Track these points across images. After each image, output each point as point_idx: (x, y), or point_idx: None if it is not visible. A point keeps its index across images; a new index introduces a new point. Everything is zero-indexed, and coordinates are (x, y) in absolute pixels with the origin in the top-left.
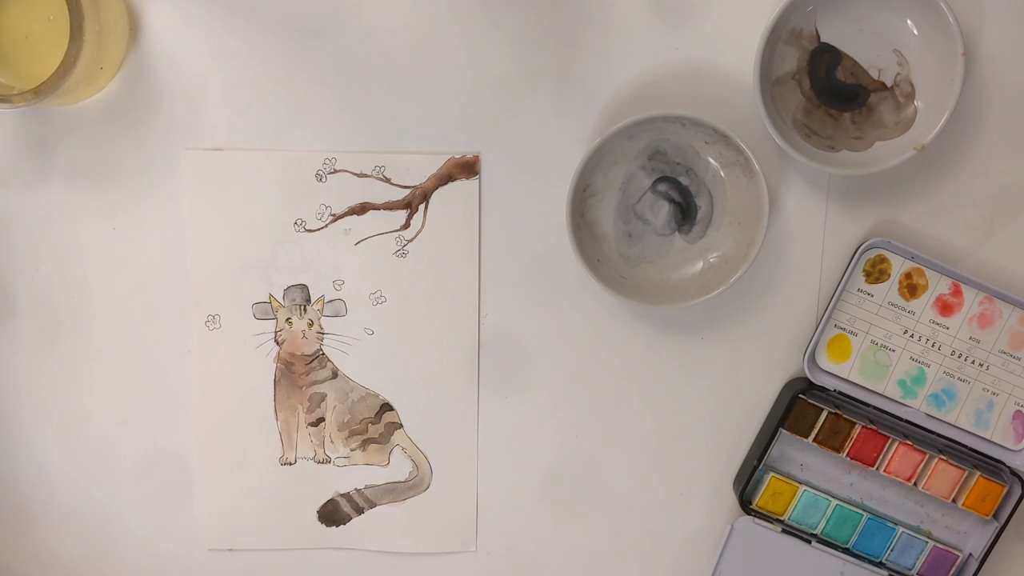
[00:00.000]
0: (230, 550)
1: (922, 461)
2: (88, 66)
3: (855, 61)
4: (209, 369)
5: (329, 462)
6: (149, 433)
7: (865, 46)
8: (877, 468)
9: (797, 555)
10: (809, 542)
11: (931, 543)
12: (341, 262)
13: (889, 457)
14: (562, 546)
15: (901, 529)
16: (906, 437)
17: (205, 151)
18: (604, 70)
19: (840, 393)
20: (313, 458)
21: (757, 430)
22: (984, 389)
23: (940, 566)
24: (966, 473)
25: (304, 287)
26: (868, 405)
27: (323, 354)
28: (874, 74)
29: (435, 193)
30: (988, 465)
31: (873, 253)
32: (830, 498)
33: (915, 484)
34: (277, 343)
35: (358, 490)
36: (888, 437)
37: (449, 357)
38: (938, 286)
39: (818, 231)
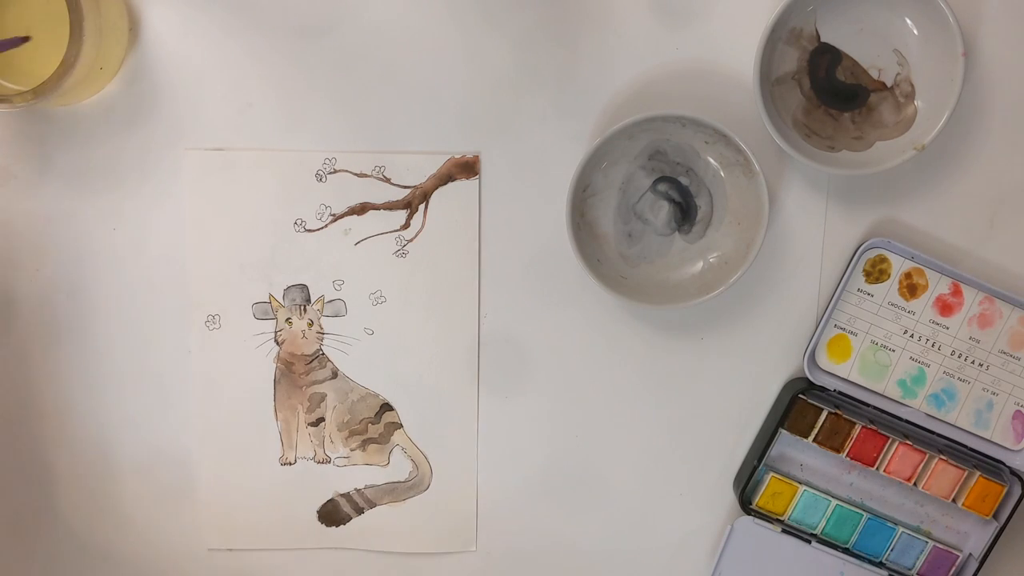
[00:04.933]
0: (230, 550)
1: (922, 461)
2: (88, 66)
3: (855, 61)
4: (209, 369)
5: (329, 462)
6: (149, 433)
7: (865, 46)
8: (877, 468)
9: (797, 555)
10: (809, 542)
11: (931, 543)
12: (341, 262)
13: (889, 457)
14: (562, 546)
15: (901, 529)
16: (906, 437)
17: (205, 151)
18: (604, 70)
19: (840, 393)
20: (313, 458)
21: (757, 430)
22: (984, 389)
23: (940, 566)
24: (966, 473)
25: (304, 287)
26: (868, 405)
27: (323, 354)
28: (874, 74)
29: (435, 193)
30: (988, 465)
31: (873, 253)
32: (830, 498)
33: (915, 484)
34: (277, 343)
35: (358, 490)
36: (888, 437)
37: (449, 357)
38: (938, 286)
39: (818, 231)
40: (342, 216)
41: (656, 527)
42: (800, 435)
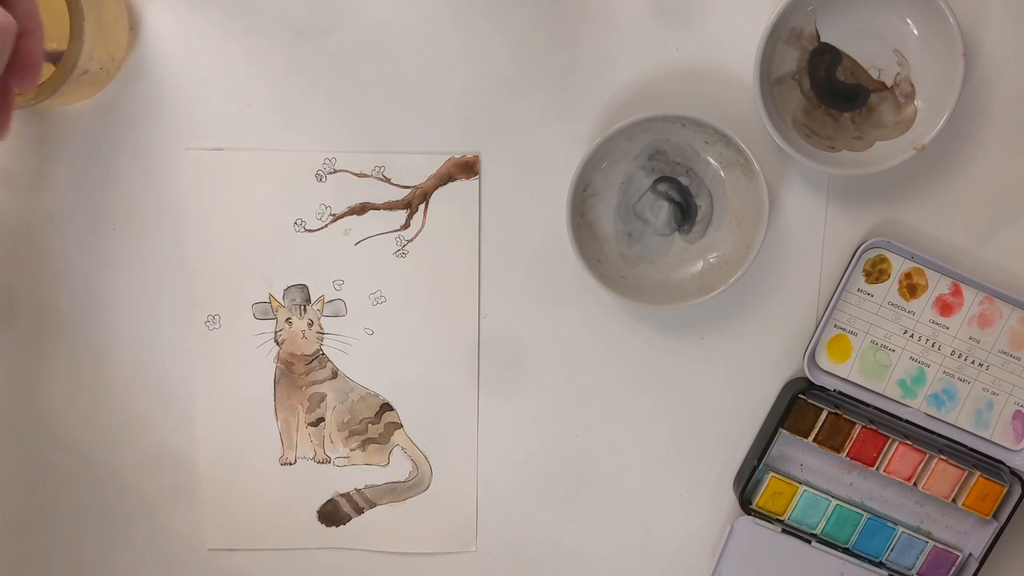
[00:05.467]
0: (230, 550)
1: (922, 461)
2: (88, 66)
3: (855, 61)
4: (209, 369)
5: (329, 462)
6: (149, 433)
7: (865, 46)
8: (877, 468)
9: (797, 555)
10: (809, 542)
11: (931, 543)
12: (341, 262)
13: (889, 457)
14: (562, 546)
15: (901, 529)
16: (906, 437)
17: (205, 151)
18: (604, 70)
19: (840, 393)
20: (313, 458)
21: (757, 430)
22: (984, 389)
23: (940, 566)
24: (966, 473)
25: (304, 287)
26: (868, 405)
27: (323, 354)
28: (874, 74)
29: (435, 193)
30: (988, 465)
31: (873, 253)
32: (830, 498)
33: (915, 484)
34: (277, 343)
35: (358, 490)
36: (888, 437)
37: (449, 357)
38: (938, 286)
39: (818, 231)
40: (342, 216)
41: (656, 527)
42: (800, 435)
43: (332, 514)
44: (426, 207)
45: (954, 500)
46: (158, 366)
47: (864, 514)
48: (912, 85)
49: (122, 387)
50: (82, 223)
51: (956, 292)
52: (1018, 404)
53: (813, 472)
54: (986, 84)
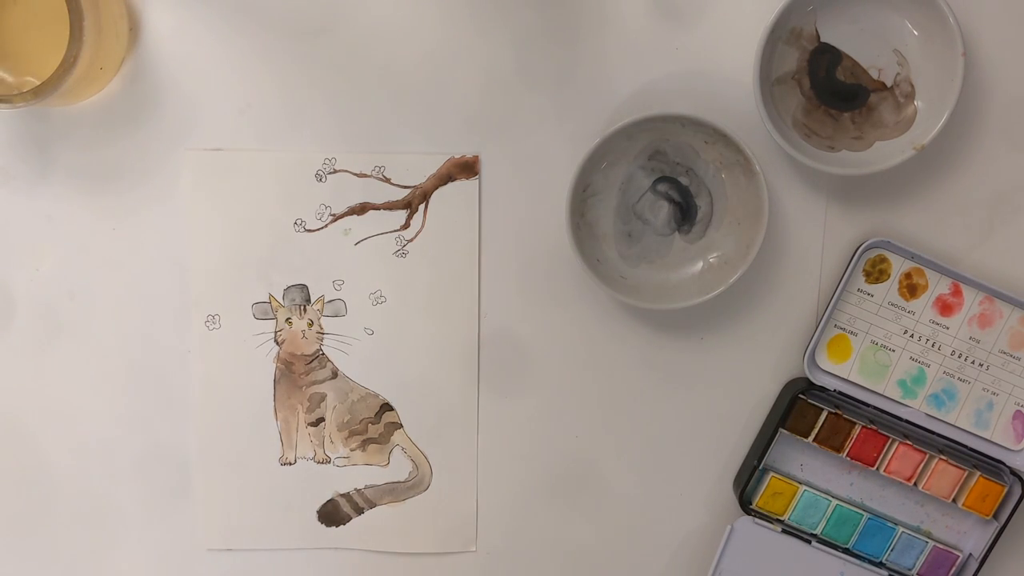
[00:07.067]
0: (230, 550)
1: (922, 461)
2: (88, 66)
3: (855, 61)
4: (209, 369)
5: (329, 462)
6: (149, 433)
7: (865, 46)
8: (877, 468)
9: (797, 555)
10: (809, 542)
11: (931, 543)
12: (341, 262)
13: (889, 457)
14: (562, 546)
15: (901, 529)
16: (906, 437)
17: (205, 151)
18: (604, 70)
19: (840, 393)
20: (313, 458)
21: (757, 430)
22: (984, 389)
23: (940, 566)
24: (966, 473)
25: (304, 287)
26: (868, 405)
27: (323, 354)
28: (874, 74)
29: (435, 193)
30: (988, 465)
31: (873, 253)
32: (830, 498)
33: (915, 484)
34: (277, 343)
35: (358, 490)
36: (888, 437)
37: (449, 357)
38: (938, 286)
39: (818, 231)
40: (342, 216)
41: (656, 527)
42: (800, 435)
43: (332, 514)
44: (426, 207)
45: (954, 500)
46: (158, 366)
47: (864, 514)
48: (912, 85)
49: (121, 387)
50: (82, 223)
51: (956, 292)
52: (1018, 404)
53: (813, 472)
54: (986, 84)
